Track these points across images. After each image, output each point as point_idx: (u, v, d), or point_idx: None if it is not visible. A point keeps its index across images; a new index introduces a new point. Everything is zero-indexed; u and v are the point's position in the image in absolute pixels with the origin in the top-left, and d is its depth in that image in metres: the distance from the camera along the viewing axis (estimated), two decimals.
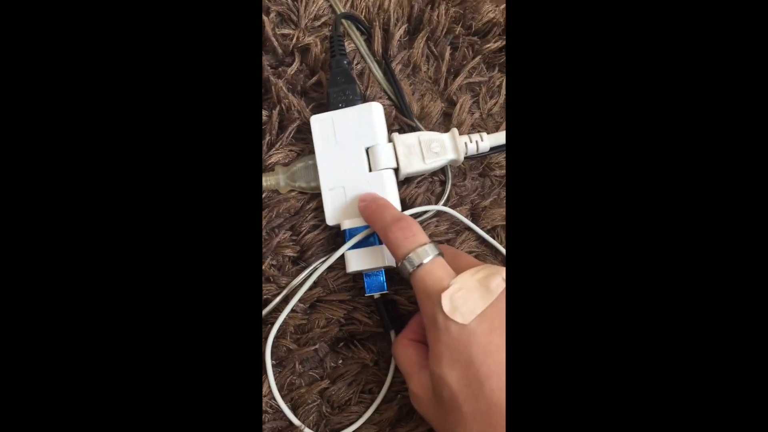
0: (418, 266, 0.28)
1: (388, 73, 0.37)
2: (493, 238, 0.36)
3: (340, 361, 0.35)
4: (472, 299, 0.26)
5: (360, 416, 0.34)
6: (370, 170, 0.33)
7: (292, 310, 0.34)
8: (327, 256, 0.34)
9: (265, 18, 0.36)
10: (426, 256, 0.28)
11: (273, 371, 0.34)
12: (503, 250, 0.36)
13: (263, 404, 0.33)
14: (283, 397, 0.34)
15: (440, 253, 0.29)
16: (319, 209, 0.35)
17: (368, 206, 0.32)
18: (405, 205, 0.35)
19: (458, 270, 0.28)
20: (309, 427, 0.33)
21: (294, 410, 0.34)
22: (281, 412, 0.34)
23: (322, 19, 0.38)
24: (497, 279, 0.27)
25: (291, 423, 0.33)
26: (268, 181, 0.35)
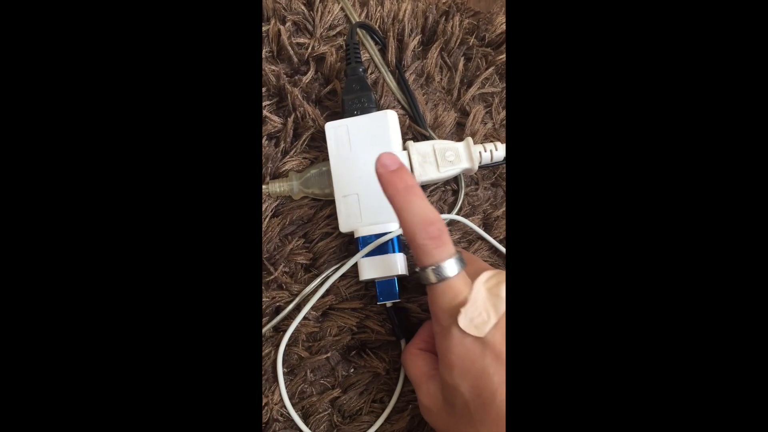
0: (443, 280, 0.27)
1: (401, 82, 0.37)
2: (506, 248, 0.36)
3: (352, 370, 0.34)
4: (485, 311, 0.26)
5: (371, 426, 0.33)
6: None
7: (305, 318, 0.34)
8: (340, 264, 0.34)
9: (281, 27, 0.37)
10: (452, 270, 0.27)
11: (284, 379, 0.34)
12: None
13: (274, 412, 0.33)
14: (294, 405, 0.33)
15: (464, 265, 0.28)
16: (332, 217, 0.35)
17: (392, 181, 0.28)
18: None
19: (472, 276, 0.28)
20: None
21: (305, 419, 0.33)
22: (292, 420, 0.33)
23: (337, 29, 0.38)
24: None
25: None
26: (281, 187, 0.35)
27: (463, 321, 0.26)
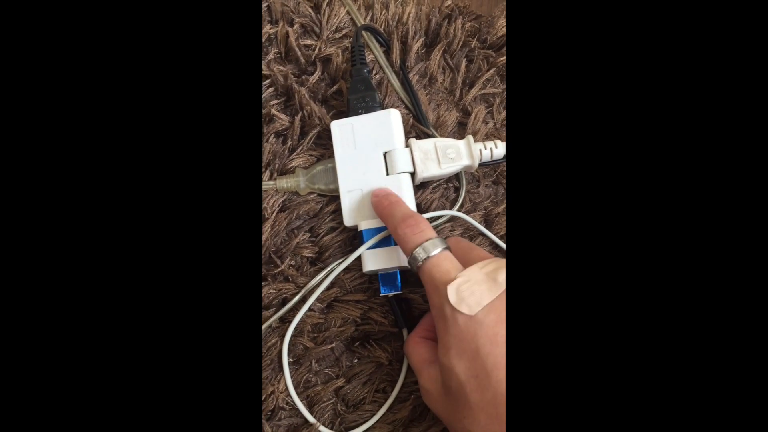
0: (425, 259, 0.29)
1: (405, 83, 0.39)
2: (506, 244, 0.37)
3: (356, 360, 0.35)
4: (479, 291, 0.27)
5: (374, 415, 0.34)
6: (388, 174, 0.35)
7: (310, 309, 0.35)
8: (344, 257, 0.35)
9: (289, 29, 0.38)
10: (433, 249, 0.29)
11: (290, 369, 0.35)
12: None
13: (280, 401, 0.34)
14: (299, 394, 0.34)
15: (447, 247, 0.30)
16: (337, 212, 0.36)
17: (380, 202, 0.33)
18: (420, 210, 0.36)
19: (470, 262, 0.29)
20: (324, 424, 0.34)
21: (309, 408, 0.34)
22: (297, 409, 0.34)
23: (343, 31, 0.40)
24: (505, 272, 0.28)
25: (306, 420, 0.34)
26: (288, 182, 0.36)
27: (452, 296, 0.27)
